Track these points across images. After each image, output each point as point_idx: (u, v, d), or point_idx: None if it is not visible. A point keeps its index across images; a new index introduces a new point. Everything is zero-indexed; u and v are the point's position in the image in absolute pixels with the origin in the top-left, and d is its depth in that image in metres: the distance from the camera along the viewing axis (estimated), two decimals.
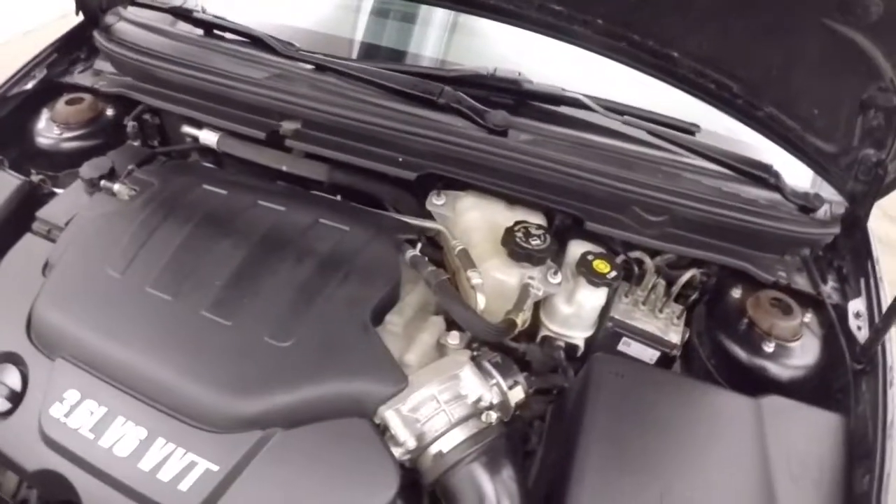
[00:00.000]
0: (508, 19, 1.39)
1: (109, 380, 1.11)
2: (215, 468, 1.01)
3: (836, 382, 1.29)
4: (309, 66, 1.50)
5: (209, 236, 1.25)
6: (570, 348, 1.37)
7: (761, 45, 1.25)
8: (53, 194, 1.49)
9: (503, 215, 1.37)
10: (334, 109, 1.37)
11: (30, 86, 1.65)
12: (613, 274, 1.28)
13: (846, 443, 1.15)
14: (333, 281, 1.18)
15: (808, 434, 1.16)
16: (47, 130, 1.60)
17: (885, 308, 1.25)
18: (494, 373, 1.11)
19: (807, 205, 1.35)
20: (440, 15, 1.77)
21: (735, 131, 1.49)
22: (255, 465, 1.02)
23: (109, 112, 1.64)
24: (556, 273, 1.30)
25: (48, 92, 1.67)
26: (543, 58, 1.56)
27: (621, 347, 1.35)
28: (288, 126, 1.42)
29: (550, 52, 1.46)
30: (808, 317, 1.34)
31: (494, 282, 1.26)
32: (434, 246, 1.40)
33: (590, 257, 1.30)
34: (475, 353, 1.15)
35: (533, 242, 1.27)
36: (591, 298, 1.30)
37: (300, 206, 1.33)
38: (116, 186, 1.36)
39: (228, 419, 1.04)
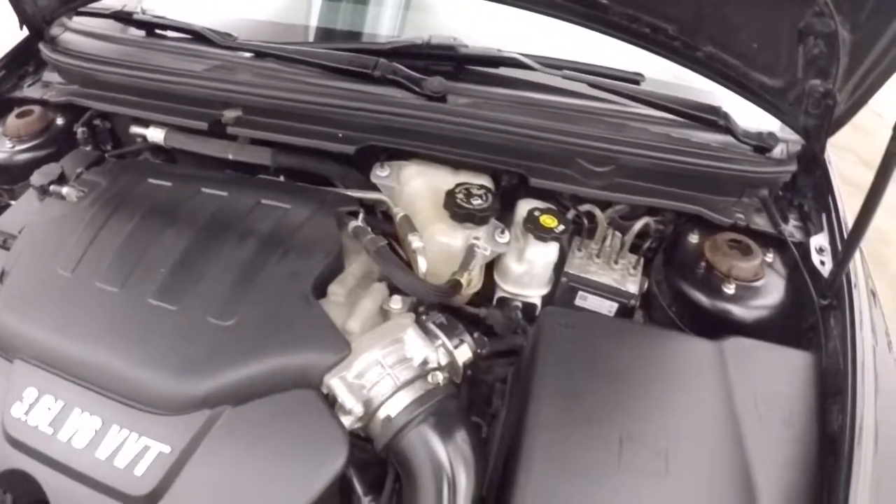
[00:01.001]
0: None
1: (65, 375, 1.11)
2: (167, 450, 1.01)
3: (804, 322, 1.27)
4: (249, 55, 1.50)
5: (154, 227, 1.26)
6: (528, 308, 1.35)
7: None
8: (9, 206, 1.50)
9: (448, 181, 1.35)
10: (272, 93, 1.37)
11: None
12: (561, 228, 1.27)
13: (817, 380, 1.13)
14: (274, 257, 1.17)
15: (776, 373, 1.13)
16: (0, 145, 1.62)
17: None
18: (439, 333, 1.11)
19: (761, 144, 1.33)
20: None
21: (684, 79, 1.47)
22: (206, 443, 1.01)
23: (60, 121, 1.64)
24: (503, 232, 1.29)
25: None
26: (495, 25, 1.54)
27: (578, 302, 1.34)
28: (229, 114, 1.42)
29: (503, 20, 1.45)
30: (770, 257, 1.32)
31: (440, 245, 1.26)
32: (387, 219, 1.39)
33: (536, 213, 1.29)
34: (421, 317, 1.14)
35: (474, 202, 1.26)
36: (542, 255, 1.29)
37: (243, 189, 1.33)
38: (65, 190, 1.37)
39: (178, 401, 1.04)
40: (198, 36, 1.54)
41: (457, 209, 1.26)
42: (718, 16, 1.25)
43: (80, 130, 1.60)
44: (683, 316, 1.32)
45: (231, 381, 1.05)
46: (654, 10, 1.28)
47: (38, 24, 1.63)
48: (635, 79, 1.44)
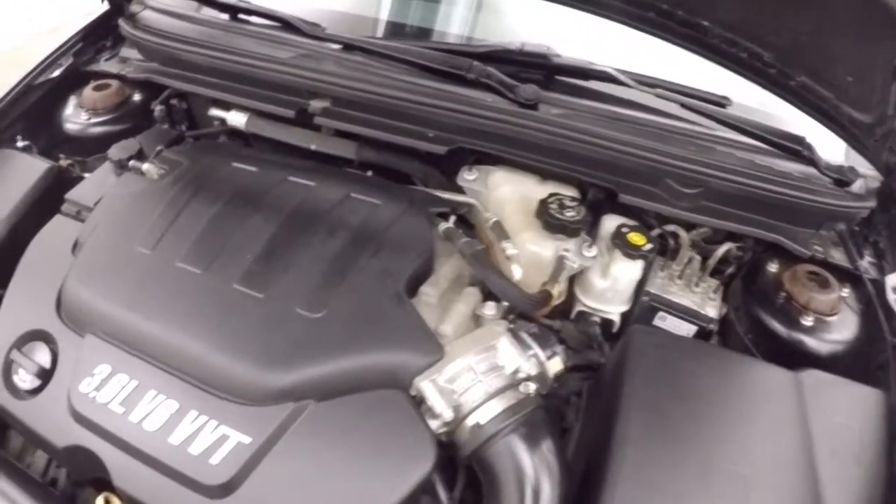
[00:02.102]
0: None
1: (140, 354, 1.08)
2: (248, 441, 0.97)
3: (875, 359, 1.22)
4: (336, 47, 1.46)
5: (239, 211, 1.22)
6: (606, 324, 1.31)
7: (792, 11, 1.18)
8: (81, 179, 1.46)
9: (535, 189, 1.32)
10: (364, 86, 1.33)
11: (56, 73, 1.62)
12: (649, 246, 1.23)
13: (886, 419, 1.09)
14: (366, 253, 1.13)
15: (848, 409, 1.09)
16: (75, 116, 1.58)
17: None
18: (532, 343, 1.06)
19: (842, 178, 1.29)
20: None
21: (766, 105, 1.44)
22: (288, 437, 0.98)
23: (137, 97, 1.61)
24: (590, 246, 1.24)
25: (74, 80, 1.65)
26: (570, 33, 1.50)
27: (657, 322, 1.29)
28: (317, 104, 1.38)
29: (577, 28, 1.41)
30: (846, 291, 1.28)
31: (529, 254, 1.21)
32: (465, 224, 1.35)
33: (624, 230, 1.25)
34: (512, 325, 1.09)
35: (567, 214, 1.22)
36: (627, 271, 1.25)
37: (331, 181, 1.29)
38: (145, 166, 1.33)
39: (261, 391, 1.00)
40: (283, 23, 1.51)
41: (550, 219, 1.21)
42: (816, 46, 1.21)
43: (157, 108, 1.56)
44: (759, 344, 1.28)
45: (317, 375, 1.01)
46: (754, 35, 1.24)
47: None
48: (722, 102, 1.41)
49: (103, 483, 1.08)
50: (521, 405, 1.00)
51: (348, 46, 1.44)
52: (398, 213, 1.21)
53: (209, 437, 0.98)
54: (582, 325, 1.31)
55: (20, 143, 1.53)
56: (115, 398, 1.04)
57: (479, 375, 1.01)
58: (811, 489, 0.98)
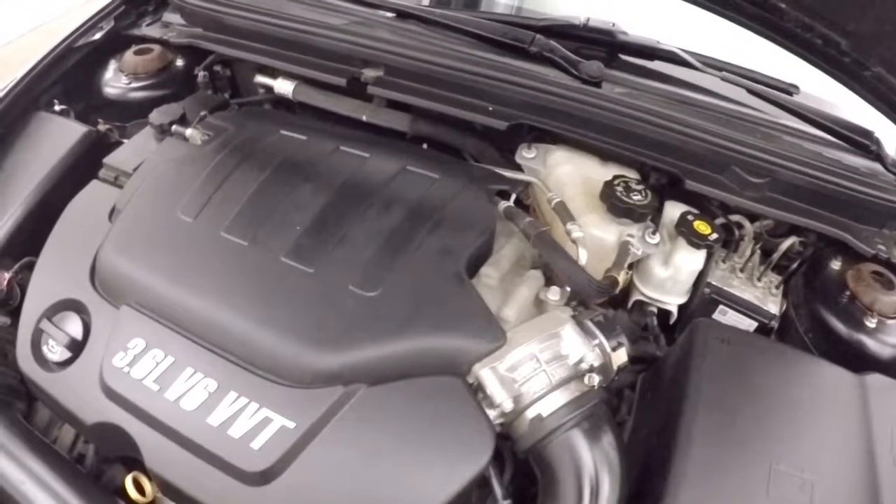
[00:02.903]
0: None
1: (178, 329, 1.00)
2: (292, 425, 0.90)
3: None
4: (389, 15, 1.38)
5: (288, 181, 1.14)
6: (663, 315, 1.23)
7: None
8: (120, 144, 1.39)
9: (597, 170, 1.23)
10: (421, 55, 1.25)
11: (97, 37, 1.55)
12: (715, 236, 1.15)
13: None
14: (423, 229, 1.05)
15: None
16: (115, 80, 1.51)
17: None
18: (597, 332, 0.98)
19: None
20: None
21: (830, 97, 1.36)
22: (336, 423, 0.90)
23: (179, 63, 1.54)
24: (654, 233, 1.16)
25: (115, 43, 1.57)
26: (636, 9, 1.41)
27: (717, 316, 1.21)
28: (370, 73, 1.29)
29: (643, 4, 1.32)
30: None
31: (591, 238, 1.13)
32: (520, 205, 1.27)
33: (690, 217, 1.16)
34: (575, 312, 1.02)
35: (634, 197, 1.14)
36: (690, 261, 1.17)
37: (385, 152, 1.21)
38: (189, 131, 1.26)
39: (308, 373, 0.93)
40: None
41: (616, 202, 1.13)
42: (893, 35, 1.12)
43: (201, 74, 1.48)
44: (819, 343, 1.20)
45: (370, 357, 0.93)
46: (832, 20, 1.16)
47: None
48: (790, 90, 1.32)
49: (132, 461, 1.03)
50: (584, 398, 0.93)
51: (402, 14, 1.36)
52: (458, 189, 1.13)
53: (250, 420, 0.91)
54: (638, 315, 1.23)
55: (57, 108, 1.45)
56: (150, 374, 0.97)
57: (542, 364, 0.93)
58: (872, 498, 0.92)
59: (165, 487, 0.96)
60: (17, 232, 1.26)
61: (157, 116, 1.31)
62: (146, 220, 1.13)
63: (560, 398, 0.92)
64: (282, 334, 0.96)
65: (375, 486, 0.88)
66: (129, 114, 1.48)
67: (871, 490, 0.93)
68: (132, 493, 1.04)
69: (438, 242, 1.04)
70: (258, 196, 1.12)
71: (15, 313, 1.16)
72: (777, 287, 1.23)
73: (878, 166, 1.23)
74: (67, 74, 1.50)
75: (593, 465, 0.90)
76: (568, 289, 1.06)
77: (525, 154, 1.28)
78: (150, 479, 1.04)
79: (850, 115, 1.33)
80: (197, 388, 0.95)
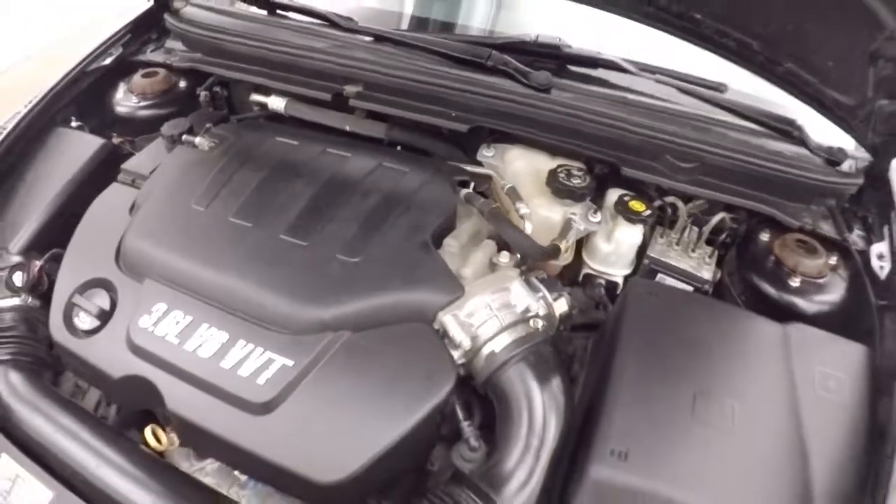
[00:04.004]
0: None
1: (195, 295, 1.31)
2: (291, 363, 1.19)
3: (863, 323, 1.41)
4: (367, 39, 1.73)
5: (284, 177, 1.48)
6: (611, 286, 1.55)
7: (776, 4, 1.42)
8: (132, 154, 1.73)
9: (547, 164, 1.58)
10: (394, 72, 1.60)
11: (108, 62, 1.91)
12: (648, 212, 1.48)
13: (870, 373, 1.27)
14: (397, 211, 1.39)
15: (834, 360, 1.28)
16: (125, 100, 1.87)
17: None
18: (541, 286, 1.31)
19: (831, 158, 1.50)
20: None
21: (762, 93, 1.67)
22: (327, 361, 1.20)
23: (182, 84, 1.89)
24: (595, 212, 1.49)
25: (123, 68, 1.93)
26: (582, 29, 1.76)
27: None
28: (351, 89, 1.64)
29: (588, 23, 1.67)
30: (834, 260, 1.48)
31: (540, 218, 1.47)
32: (482, 196, 1.60)
33: (626, 198, 1.49)
34: (523, 271, 1.34)
35: (574, 181, 1.48)
36: (629, 235, 1.50)
37: (364, 153, 1.55)
38: (198, 139, 1.60)
39: (304, 323, 1.23)
40: (321, 18, 1.79)
41: (559, 185, 1.47)
42: (798, 35, 1.43)
43: (203, 93, 1.84)
44: (751, 304, 1.48)
45: (354, 309, 1.24)
46: (741, 26, 1.48)
47: None
48: (719, 88, 1.65)
49: (148, 420, 1.32)
50: (530, 337, 1.23)
51: (379, 38, 1.71)
52: (425, 180, 1.47)
53: (257, 361, 1.20)
54: (588, 288, 1.55)
55: (74, 124, 1.81)
56: (172, 331, 1.26)
57: (494, 311, 1.25)
58: (795, 425, 1.17)
59: (183, 426, 1.24)
60: (44, 229, 1.59)
61: (168, 128, 1.66)
62: (165, 211, 1.45)
63: (509, 337, 1.22)
64: (282, 293, 1.27)
65: (359, 411, 1.17)
66: (138, 129, 1.83)
67: (791, 417, 1.17)
68: (151, 441, 1.34)
69: (409, 220, 1.37)
70: (259, 189, 1.45)
71: (43, 297, 1.47)
72: (710, 257, 1.54)
73: (802, 150, 1.51)
74: (82, 95, 1.85)
75: (540, 390, 1.18)
76: (518, 255, 1.38)
77: (485, 153, 1.62)
78: (166, 431, 1.34)
79: (785, 107, 1.64)
80: (212, 340, 1.24)
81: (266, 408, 1.17)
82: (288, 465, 1.14)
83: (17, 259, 1.54)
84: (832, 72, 1.43)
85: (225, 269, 1.32)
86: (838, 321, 1.43)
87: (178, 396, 1.23)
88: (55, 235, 1.56)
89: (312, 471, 1.13)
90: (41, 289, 1.50)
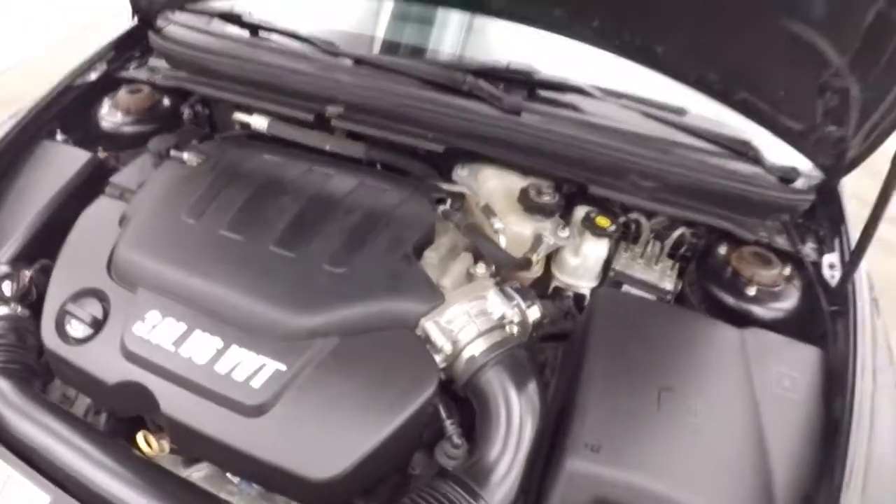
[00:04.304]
0: (520, 21, 1.75)
1: (188, 304, 1.39)
2: (283, 368, 1.28)
3: (816, 329, 1.55)
4: (347, 62, 1.85)
5: (270, 193, 1.58)
6: (578, 298, 1.69)
7: (731, 42, 1.57)
8: (117, 169, 1.81)
9: (518, 183, 1.72)
10: (374, 94, 1.73)
11: (92, 77, 1.99)
12: (613, 227, 1.62)
13: (825, 373, 1.41)
14: (379, 225, 1.51)
15: (789, 361, 1.42)
16: (110, 115, 1.95)
17: None
18: (515, 295, 1.44)
19: (785, 176, 1.66)
20: (457, 17, 2.14)
21: (722, 116, 1.82)
22: (318, 364, 1.30)
23: (165, 101, 1.98)
24: (564, 228, 1.63)
25: (108, 84, 2.02)
26: (549, 54, 1.91)
27: None
28: (333, 110, 1.76)
29: (556, 49, 1.81)
30: (788, 270, 1.61)
31: (512, 233, 1.60)
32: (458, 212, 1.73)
33: (592, 214, 1.64)
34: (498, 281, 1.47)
35: (544, 198, 1.62)
36: (596, 249, 1.64)
37: (346, 171, 1.67)
38: (186, 155, 1.69)
39: (295, 330, 1.33)
40: (304, 41, 1.90)
41: (529, 202, 1.61)
42: (752, 69, 1.59)
43: (186, 111, 1.94)
44: (710, 312, 1.61)
45: (342, 317, 1.35)
46: (699, 61, 1.64)
47: (148, 14, 1.99)
48: (679, 111, 1.81)
49: (136, 430, 1.39)
50: (506, 341, 1.36)
51: (358, 61, 1.84)
52: (405, 197, 1.59)
53: (251, 366, 1.29)
54: (557, 300, 1.68)
55: (59, 137, 1.89)
56: (166, 338, 1.33)
57: (472, 318, 1.37)
58: (754, 419, 1.30)
59: (178, 430, 1.32)
60: (31, 240, 1.66)
61: (155, 143, 1.75)
62: (156, 223, 1.54)
63: (486, 342, 1.34)
64: (273, 302, 1.36)
65: (348, 411, 1.27)
66: (122, 144, 1.92)
67: (752, 413, 1.30)
68: (143, 446, 1.41)
69: (391, 234, 1.49)
70: (248, 204, 1.55)
71: (32, 307, 1.54)
72: (672, 269, 1.69)
73: (758, 169, 1.66)
74: (67, 109, 1.93)
75: (516, 390, 1.30)
76: (493, 267, 1.51)
77: (460, 172, 1.76)
78: (156, 437, 1.41)
79: (744, 129, 1.78)
80: (206, 347, 1.32)
81: (260, 410, 1.26)
82: (282, 463, 1.23)
83: (4, 269, 1.60)
84: (784, 101, 1.59)
85: (217, 279, 1.41)
86: (793, 327, 1.55)
87: (172, 401, 1.31)
88: (42, 247, 1.64)
89: (306, 469, 1.22)
90: (30, 299, 1.56)
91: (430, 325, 1.36)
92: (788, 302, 1.60)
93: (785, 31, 1.44)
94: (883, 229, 1.56)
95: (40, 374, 1.50)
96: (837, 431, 1.29)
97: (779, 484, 1.22)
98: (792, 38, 1.44)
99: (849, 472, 1.21)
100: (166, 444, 1.41)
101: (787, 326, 1.56)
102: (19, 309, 1.54)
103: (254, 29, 1.99)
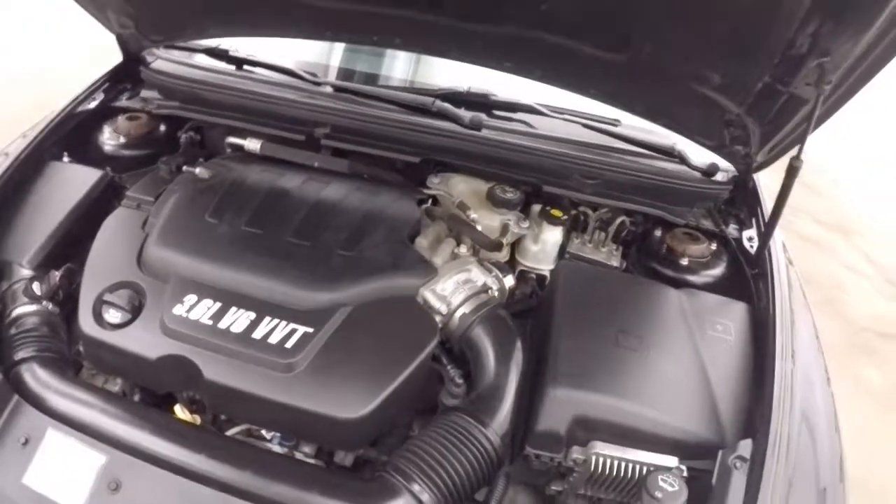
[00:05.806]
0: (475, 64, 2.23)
1: (220, 287, 1.75)
2: (311, 330, 1.66)
3: (742, 291, 1.98)
4: (328, 90, 2.31)
5: (280, 198, 2.02)
6: (541, 279, 2.16)
7: (649, 92, 2.06)
8: (123, 187, 2.18)
9: (484, 186, 2.22)
10: (356, 116, 2.22)
11: (92, 106, 2.38)
12: (565, 217, 2.11)
13: (751, 321, 1.85)
14: (377, 220, 1.97)
15: (721, 312, 1.86)
16: (111, 140, 2.34)
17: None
18: (493, 268, 1.93)
19: (706, 171, 2.18)
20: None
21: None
22: (340, 326, 1.69)
23: (162, 127, 2.38)
24: (524, 220, 2.12)
25: (107, 112, 2.41)
26: (495, 80, 2.38)
27: None
28: (320, 130, 2.23)
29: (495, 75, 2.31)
30: (714, 245, 2.12)
31: (484, 225, 2.08)
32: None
33: (547, 208, 2.13)
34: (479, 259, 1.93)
35: (508, 195, 2.11)
36: (552, 235, 2.14)
37: (339, 181, 2.14)
38: (198, 169, 2.09)
39: (317, 302, 1.72)
40: (286, 73, 2.35)
41: (496, 198, 2.11)
42: (668, 105, 2.10)
43: (183, 136, 2.34)
44: None
45: (355, 289, 1.76)
46: (624, 100, 2.14)
47: (136, 51, 2.40)
48: (614, 123, 2.32)
49: (167, 408, 1.71)
50: (489, 302, 1.83)
51: (339, 89, 2.30)
52: (394, 197, 2.07)
53: (283, 331, 1.64)
54: (522, 282, 2.14)
55: (66, 159, 2.23)
56: (205, 315, 1.66)
57: (460, 286, 1.84)
58: (695, 352, 1.72)
59: (219, 393, 1.61)
60: (54, 248, 1.97)
61: (167, 161, 2.15)
62: (181, 222, 1.91)
63: (473, 303, 1.80)
64: (297, 281, 1.75)
65: (368, 362, 1.64)
66: (123, 166, 2.28)
67: (691, 347, 1.73)
68: (181, 415, 1.72)
69: (387, 226, 1.95)
70: (263, 205, 1.98)
71: (60, 305, 1.85)
72: (616, 250, 2.19)
73: (683, 167, 2.16)
74: (70, 134, 2.30)
75: (500, 337, 1.74)
76: (472, 248, 1.97)
77: (433, 180, 2.24)
78: (190, 410, 1.73)
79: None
80: (241, 319, 1.67)
81: (293, 367, 1.60)
82: (317, 409, 1.56)
83: (29, 272, 1.88)
84: (697, 128, 2.11)
85: (245, 265, 1.79)
86: (722, 291, 1.98)
87: (214, 367, 1.61)
88: (63, 253, 1.96)
89: (338, 411, 1.56)
90: (58, 298, 1.86)
91: (427, 293, 1.81)
92: (716, 270, 2.09)
93: (694, 90, 1.92)
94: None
95: (73, 363, 1.81)
96: (763, 374, 1.67)
97: (721, 400, 1.63)
98: (699, 95, 1.93)
99: (778, 388, 1.59)
100: (198, 417, 1.72)
101: (717, 290, 1.99)
102: (50, 306, 1.83)
103: (240, 63, 2.43)
